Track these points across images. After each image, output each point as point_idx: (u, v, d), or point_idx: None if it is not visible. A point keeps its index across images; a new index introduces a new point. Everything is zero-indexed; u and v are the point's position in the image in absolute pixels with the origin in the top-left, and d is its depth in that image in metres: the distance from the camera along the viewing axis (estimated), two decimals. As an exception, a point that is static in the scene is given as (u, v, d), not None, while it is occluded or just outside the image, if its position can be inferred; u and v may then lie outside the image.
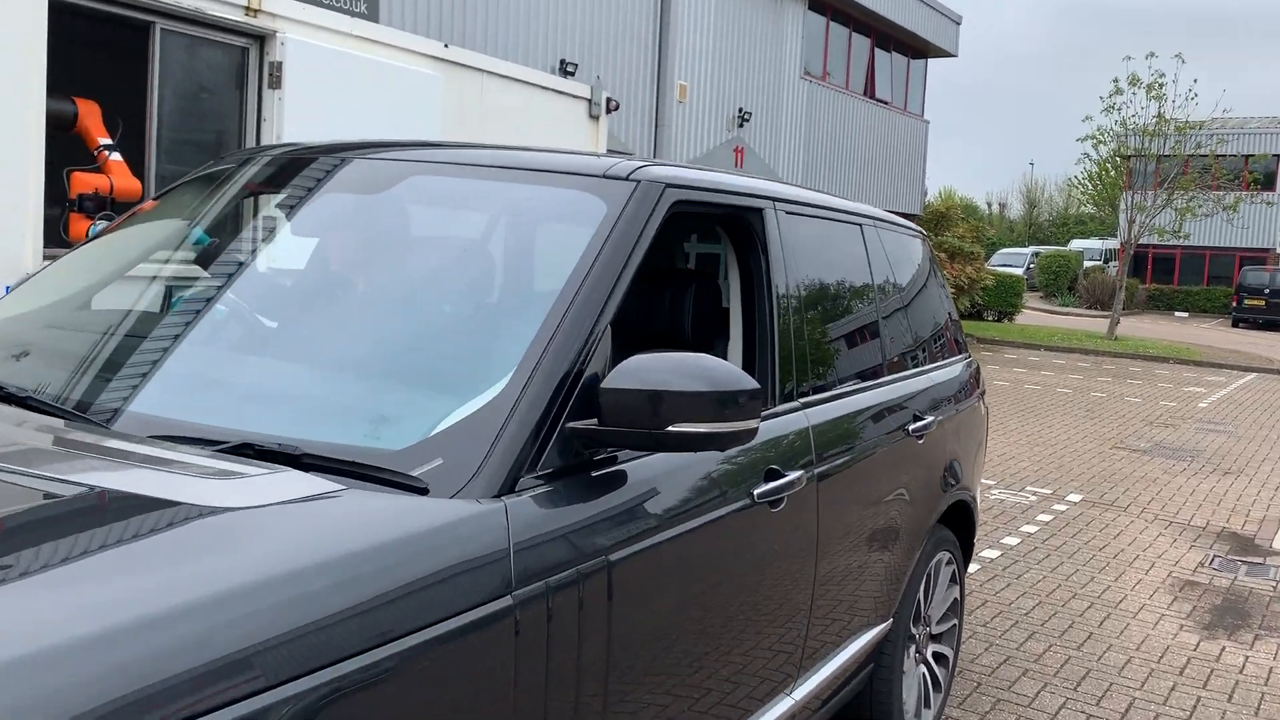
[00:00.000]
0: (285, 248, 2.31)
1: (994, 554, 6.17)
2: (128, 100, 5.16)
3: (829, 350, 2.96)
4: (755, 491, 2.37)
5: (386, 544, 1.53)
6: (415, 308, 2.15)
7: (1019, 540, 6.51)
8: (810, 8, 19.01)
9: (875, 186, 21.60)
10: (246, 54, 5.02)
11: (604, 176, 2.28)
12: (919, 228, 4.12)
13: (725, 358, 2.76)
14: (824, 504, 2.68)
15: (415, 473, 1.73)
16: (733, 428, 1.94)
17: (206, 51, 4.97)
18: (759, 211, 2.70)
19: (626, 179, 2.27)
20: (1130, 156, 23.57)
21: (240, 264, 2.34)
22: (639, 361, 1.93)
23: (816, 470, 2.65)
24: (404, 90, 5.34)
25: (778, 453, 2.52)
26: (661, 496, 2.09)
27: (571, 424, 1.90)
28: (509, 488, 1.76)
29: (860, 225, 3.35)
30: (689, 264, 3.56)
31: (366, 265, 2.27)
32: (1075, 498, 7.79)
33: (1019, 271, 28.13)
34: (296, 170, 2.50)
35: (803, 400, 2.71)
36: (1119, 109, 22.48)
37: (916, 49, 23.47)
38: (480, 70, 6.02)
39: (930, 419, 3.43)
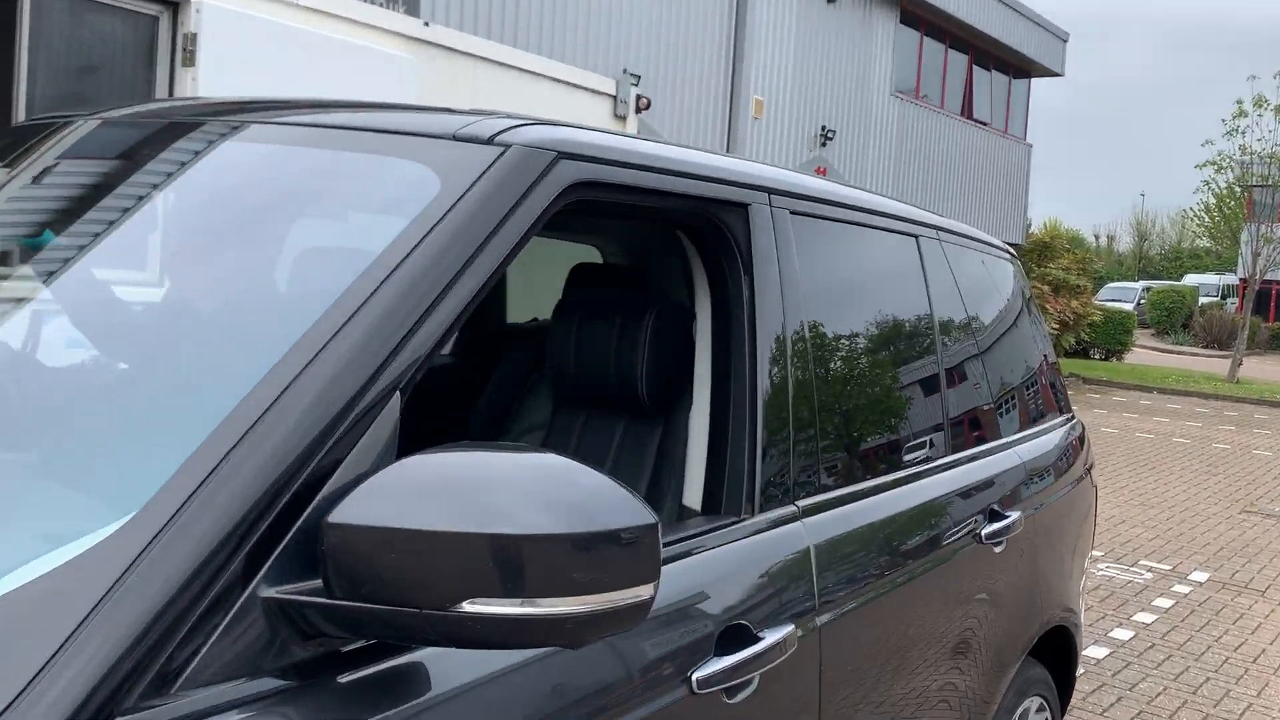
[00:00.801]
0: None
1: (1101, 652, 5.02)
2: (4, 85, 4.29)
3: (850, 419, 1.96)
4: (697, 675, 1.39)
5: None
6: (25, 366, 1.23)
7: (1132, 634, 5.33)
8: (903, 21, 17.83)
9: (973, 213, 20.22)
10: (156, 24, 4.19)
11: (452, 138, 1.37)
12: (1005, 246, 3.09)
13: (688, 429, 1.80)
14: (831, 673, 1.69)
15: None
16: (601, 604, 0.99)
17: (98, 20, 4.09)
18: (741, 208, 1.74)
19: (488, 142, 1.34)
20: (1254, 186, 21.75)
21: None
22: (411, 468, 1.00)
23: (819, 620, 1.66)
24: (362, 73, 4.46)
25: (749, 595, 1.54)
26: (495, 707, 1.14)
27: (272, 591, 0.97)
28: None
29: (916, 236, 2.36)
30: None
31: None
32: (1200, 576, 6.53)
33: (1129, 307, 26.34)
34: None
35: (802, 503, 1.73)
36: (1242, 132, 20.73)
37: (1019, 67, 22.04)
38: (471, 55, 5.12)
39: (1014, 515, 2.39)
